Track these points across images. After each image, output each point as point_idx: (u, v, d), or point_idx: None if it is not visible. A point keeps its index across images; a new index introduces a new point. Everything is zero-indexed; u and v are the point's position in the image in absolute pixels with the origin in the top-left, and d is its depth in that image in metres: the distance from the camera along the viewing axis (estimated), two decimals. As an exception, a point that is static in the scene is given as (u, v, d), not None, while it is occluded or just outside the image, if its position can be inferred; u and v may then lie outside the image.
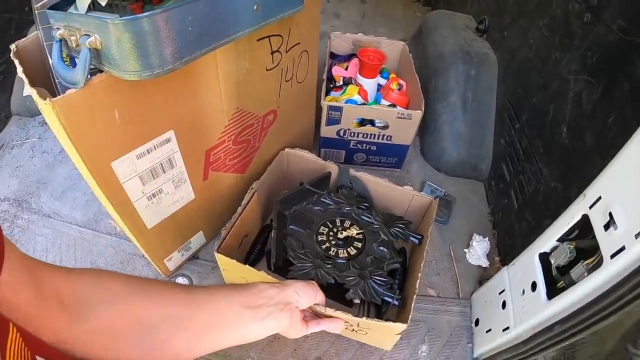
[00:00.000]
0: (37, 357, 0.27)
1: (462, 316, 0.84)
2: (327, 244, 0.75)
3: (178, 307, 0.39)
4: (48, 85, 0.55)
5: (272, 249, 0.71)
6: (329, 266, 0.71)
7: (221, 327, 0.40)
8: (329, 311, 0.58)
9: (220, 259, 0.69)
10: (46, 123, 1.14)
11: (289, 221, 0.78)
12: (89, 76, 0.46)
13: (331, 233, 0.77)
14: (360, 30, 1.23)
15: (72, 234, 0.91)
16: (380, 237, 0.77)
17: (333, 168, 0.84)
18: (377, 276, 0.70)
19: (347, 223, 0.79)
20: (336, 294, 0.73)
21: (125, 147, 0.57)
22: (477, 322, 0.82)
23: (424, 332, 0.82)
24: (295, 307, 0.47)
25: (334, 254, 0.74)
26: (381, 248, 0.76)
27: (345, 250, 0.74)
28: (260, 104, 0.74)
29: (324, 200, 0.82)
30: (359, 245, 0.76)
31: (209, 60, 0.59)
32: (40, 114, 1.16)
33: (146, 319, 0.36)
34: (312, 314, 0.58)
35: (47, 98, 0.45)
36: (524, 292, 0.68)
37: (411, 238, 0.78)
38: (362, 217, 0.80)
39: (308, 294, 0.49)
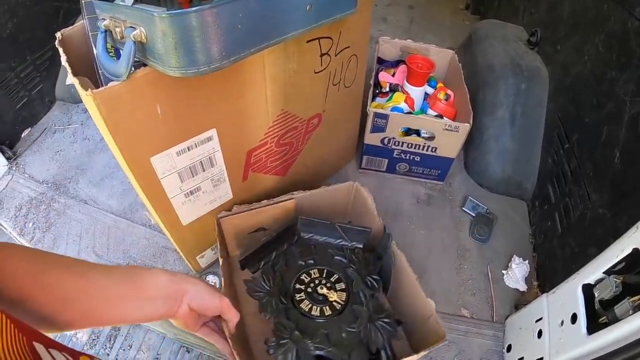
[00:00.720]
0: (34, 343, 0.26)
1: (494, 340, 0.81)
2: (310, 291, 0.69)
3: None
4: (91, 75, 0.55)
5: (258, 251, 0.69)
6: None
7: (105, 302, 0.39)
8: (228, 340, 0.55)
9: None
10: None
11: (294, 243, 0.73)
12: (132, 69, 0.45)
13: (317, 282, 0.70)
14: (407, 35, 1.19)
15: (106, 221, 0.92)
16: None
17: (378, 226, 0.75)
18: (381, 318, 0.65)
19: (334, 278, 0.71)
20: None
21: (165, 143, 0.57)
22: (509, 348, 0.79)
23: (454, 354, 0.79)
24: (182, 304, 0.46)
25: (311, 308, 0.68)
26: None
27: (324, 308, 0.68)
28: (305, 107, 0.72)
29: (336, 246, 0.74)
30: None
31: (256, 61, 0.58)
32: (84, 103, 1.19)
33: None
34: (216, 326, 0.56)
35: (89, 89, 0.45)
36: (562, 323, 0.64)
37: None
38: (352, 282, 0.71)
39: (202, 298, 0.47)
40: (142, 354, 0.90)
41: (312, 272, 0.71)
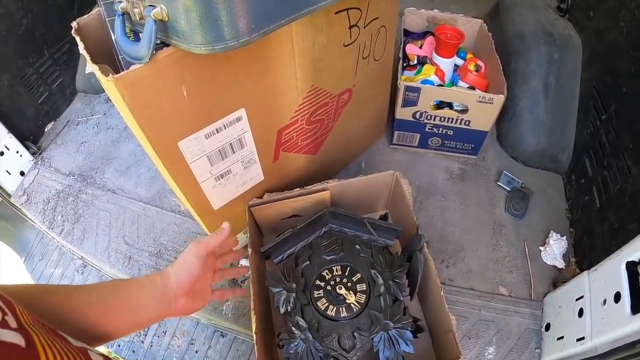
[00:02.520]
0: (57, 330, 0.28)
1: (532, 319, 0.78)
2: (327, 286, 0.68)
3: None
4: (111, 63, 0.53)
5: (284, 241, 0.68)
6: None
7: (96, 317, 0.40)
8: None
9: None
10: (111, 100, 1.17)
11: (321, 235, 0.71)
12: (154, 51, 0.43)
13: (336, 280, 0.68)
14: (431, 6, 1.15)
15: (135, 210, 0.92)
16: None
17: (411, 223, 0.71)
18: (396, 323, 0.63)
19: (356, 277, 0.68)
20: None
21: (193, 126, 0.55)
22: (547, 327, 0.76)
23: (493, 333, 0.77)
24: (176, 296, 0.47)
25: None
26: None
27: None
28: (336, 82, 0.70)
29: (364, 241, 0.72)
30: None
31: (284, 34, 0.56)
32: (105, 91, 1.19)
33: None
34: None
35: (110, 74, 0.43)
36: (605, 301, 0.61)
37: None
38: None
39: (181, 273, 0.48)
40: (177, 339, 0.91)
41: (334, 268, 0.69)
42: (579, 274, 0.73)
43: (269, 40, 0.54)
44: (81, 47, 0.50)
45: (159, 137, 0.53)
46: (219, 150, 0.61)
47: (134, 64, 0.45)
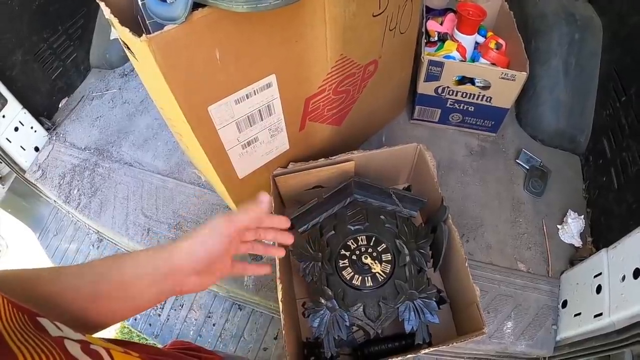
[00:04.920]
0: (37, 318, 0.25)
1: (549, 296, 0.79)
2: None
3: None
4: (134, 29, 0.52)
5: (309, 211, 0.67)
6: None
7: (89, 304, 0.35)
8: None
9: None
10: (126, 75, 1.16)
11: (346, 205, 0.71)
12: (190, 11, 0.42)
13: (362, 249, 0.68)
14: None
15: (154, 182, 0.92)
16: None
17: (436, 195, 0.70)
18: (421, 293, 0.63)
19: (381, 247, 0.68)
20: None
21: (224, 91, 0.55)
22: (564, 304, 0.77)
23: (511, 308, 0.78)
24: (182, 278, 0.39)
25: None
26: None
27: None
28: (363, 53, 0.70)
29: (389, 212, 0.72)
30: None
31: (317, 0, 0.55)
32: (120, 65, 1.18)
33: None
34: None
35: (143, 34, 0.42)
36: (624, 278, 0.62)
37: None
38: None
39: (196, 252, 0.38)
40: (194, 312, 0.91)
41: (359, 238, 0.69)
42: (595, 252, 0.73)
43: (303, 5, 0.54)
44: (107, 12, 0.49)
45: (190, 101, 0.52)
46: (248, 116, 0.61)
47: (165, 25, 0.44)
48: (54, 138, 1.09)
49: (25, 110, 1.04)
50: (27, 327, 0.23)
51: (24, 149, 1.05)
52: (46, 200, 1.11)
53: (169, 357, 0.38)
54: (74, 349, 0.24)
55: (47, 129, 1.10)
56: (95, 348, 0.26)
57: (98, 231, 1.00)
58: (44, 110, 1.12)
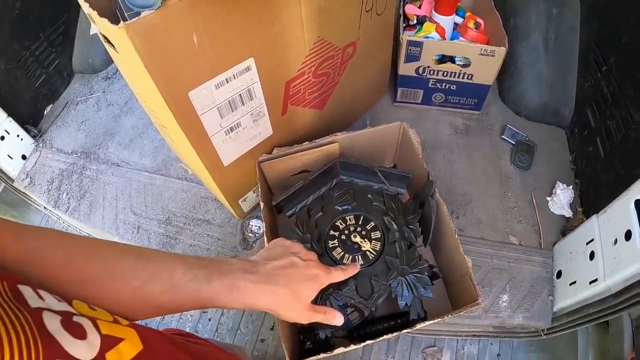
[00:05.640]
0: (18, 286, 0.24)
1: (543, 267, 0.80)
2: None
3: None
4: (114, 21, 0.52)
5: (295, 194, 0.67)
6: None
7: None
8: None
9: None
10: (109, 78, 1.16)
11: (332, 186, 0.71)
12: None
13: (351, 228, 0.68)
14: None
15: (141, 180, 0.92)
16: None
17: (422, 172, 0.70)
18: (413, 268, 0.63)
19: (370, 225, 0.68)
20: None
21: (203, 75, 0.55)
22: (559, 274, 0.78)
23: (505, 282, 0.78)
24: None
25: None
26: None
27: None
28: (341, 34, 0.70)
29: (375, 190, 0.72)
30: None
31: None
32: (103, 69, 1.18)
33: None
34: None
35: (121, 22, 0.42)
36: (616, 241, 0.63)
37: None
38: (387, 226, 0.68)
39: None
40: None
41: (347, 218, 0.69)
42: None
43: (276, -13, 0.54)
44: (86, 7, 0.48)
45: (170, 88, 0.52)
46: (229, 101, 0.61)
47: (141, 12, 0.45)
48: (41, 145, 1.08)
49: (10, 119, 1.03)
50: (3, 297, 0.22)
51: (11, 158, 1.05)
52: (36, 208, 1.10)
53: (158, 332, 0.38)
54: (53, 322, 0.23)
55: (34, 137, 1.10)
56: (78, 320, 0.25)
57: (89, 234, 1.00)
58: (30, 118, 1.11)
